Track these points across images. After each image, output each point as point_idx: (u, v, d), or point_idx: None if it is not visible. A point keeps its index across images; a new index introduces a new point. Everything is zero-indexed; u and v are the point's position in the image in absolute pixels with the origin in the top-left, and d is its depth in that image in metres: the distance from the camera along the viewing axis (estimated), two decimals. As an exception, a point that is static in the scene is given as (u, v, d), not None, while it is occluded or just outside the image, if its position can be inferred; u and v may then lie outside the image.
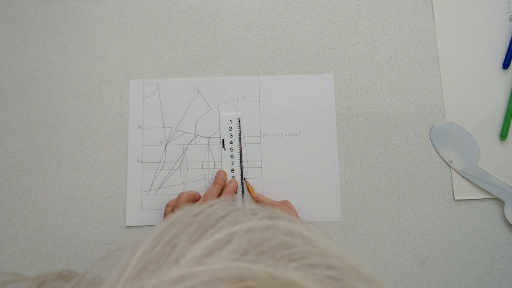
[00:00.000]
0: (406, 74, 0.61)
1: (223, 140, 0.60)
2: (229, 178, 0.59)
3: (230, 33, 0.63)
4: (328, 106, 0.61)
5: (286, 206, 0.55)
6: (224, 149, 0.60)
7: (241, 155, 0.60)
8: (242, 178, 0.59)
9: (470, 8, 0.63)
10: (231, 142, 0.60)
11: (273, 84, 0.61)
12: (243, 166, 0.59)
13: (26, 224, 0.59)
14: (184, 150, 0.60)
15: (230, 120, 0.60)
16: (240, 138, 0.60)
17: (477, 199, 0.58)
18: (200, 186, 0.59)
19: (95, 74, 0.62)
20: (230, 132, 0.60)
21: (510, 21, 0.62)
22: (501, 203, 0.57)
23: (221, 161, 0.60)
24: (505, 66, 0.60)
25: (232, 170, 0.59)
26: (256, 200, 0.57)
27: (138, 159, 0.60)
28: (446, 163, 0.59)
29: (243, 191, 0.59)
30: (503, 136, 0.58)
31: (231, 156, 0.60)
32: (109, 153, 0.60)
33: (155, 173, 0.59)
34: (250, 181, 0.59)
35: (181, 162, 0.60)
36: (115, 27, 0.64)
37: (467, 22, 0.62)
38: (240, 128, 0.60)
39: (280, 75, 0.62)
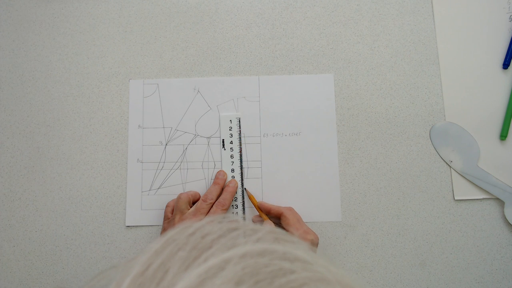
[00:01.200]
0: (406, 74, 0.61)
1: (223, 140, 0.60)
2: (229, 178, 0.59)
3: (230, 33, 0.63)
4: (328, 106, 0.61)
5: (290, 212, 0.55)
6: (224, 149, 0.60)
7: (241, 155, 0.60)
8: (242, 178, 0.59)
9: (470, 8, 0.63)
10: (231, 142, 0.60)
11: (273, 84, 0.61)
12: (243, 166, 0.59)
13: (26, 224, 0.59)
14: (184, 150, 0.60)
15: (230, 120, 0.60)
16: (240, 138, 0.60)
17: (477, 199, 0.58)
18: (200, 186, 0.59)
19: (95, 74, 0.62)
20: (230, 132, 0.60)
21: (510, 21, 0.62)
22: (501, 203, 0.57)
23: (221, 161, 0.60)
24: (505, 66, 0.60)
25: (232, 170, 0.59)
26: (260, 207, 0.57)
27: (138, 159, 0.60)
28: (446, 163, 0.59)
29: (243, 191, 0.59)
30: (503, 136, 0.58)
31: (231, 156, 0.60)
32: (109, 153, 0.60)
33: (155, 173, 0.59)
34: (250, 181, 0.59)
35: (181, 162, 0.60)
36: (115, 27, 0.64)
37: (467, 22, 0.62)
38: (240, 128, 0.60)
39: (280, 75, 0.62)
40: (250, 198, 0.58)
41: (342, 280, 0.19)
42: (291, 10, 0.64)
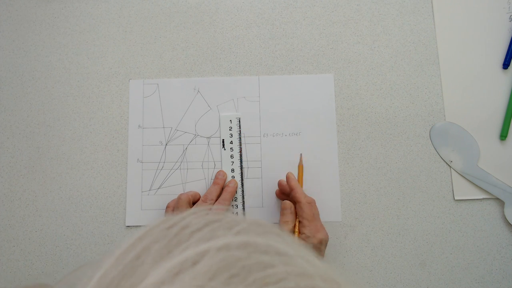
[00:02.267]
0: (406, 74, 0.61)
1: (223, 140, 0.60)
2: (229, 178, 0.59)
3: (230, 33, 0.63)
4: (328, 106, 0.61)
5: (309, 205, 0.52)
6: (224, 149, 0.60)
7: (241, 155, 0.59)
8: (242, 178, 0.59)
9: (470, 8, 0.63)
10: (231, 142, 0.60)
11: (273, 84, 0.61)
12: (243, 166, 0.59)
13: (26, 224, 0.59)
14: (184, 150, 0.60)
15: (230, 120, 0.60)
16: (240, 138, 0.60)
17: (477, 199, 0.58)
18: (200, 186, 0.59)
19: (95, 74, 0.62)
20: (230, 132, 0.60)
21: (510, 21, 0.62)
22: (501, 203, 0.57)
23: (221, 161, 0.60)
24: (505, 66, 0.60)
25: (232, 170, 0.59)
26: (287, 181, 0.54)
27: (138, 159, 0.60)
28: (446, 163, 0.59)
29: (243, 191, 0.59)
30: (503, 136, 0.58)
31: (231, 156, 0.60)
32: (109, 153, 0.60)
33: (155, 173, 0.59)
34: (250, 181, 0.59)
35: (181, 162, 0.60)
36: (115, 27, 0.64)
37: (467, 22, 0.62)
38: (240, 128, 0.60)
39: (280, 75, 0.62)
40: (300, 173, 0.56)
41: (325, 274, 0.18)
42: (291, 10, 0.64)
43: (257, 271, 0.17)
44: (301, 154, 0.57)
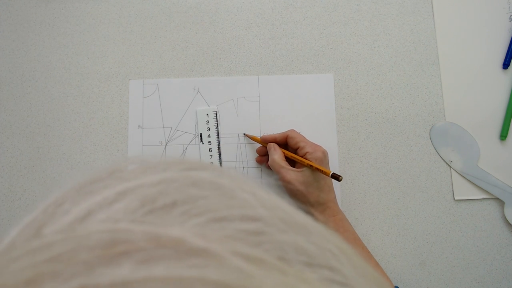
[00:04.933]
0: (406, 74, 0.61)
1: (200, 134, 0.60)
2: None
3: (230, 33, 0.63)
4: (328, 106, 0.61)
5: (294, 131, 0.55)
6: (202, 143, 0.60)
7: (219, 148, 0.60)
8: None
9: (470, 8, 0.63)
10: (209, 136, 0.60)
11: (273, 84, 0.61)
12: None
13: (26, 224, 0.59)
14: (184, 150, 0.60)
15: (207, 114, 0.60)
16: (218, 132, 0.60)
17: (477, 199, 0.58)
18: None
19: (95, 74, 0.62)
20: (208, 126, 0.60)
21: (510, 21, 0.62)
22: (501, 203, 0.57)
23: (200, 155, 0.59)
24: (505, 66, 0.60)
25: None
26: (264, 140, 0.57)
27: (138, 159, 0.60)
28: (446, 163, 0.59)
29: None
30: (503, 136, 0.58)
31: (210, 150, 0.60)
32: (109, 153, 0.60)
33: (155, 173, 0.59)
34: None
35: (181, 162, 0.60)
36: (115, 27, 0.64)
37: (467, 22, 0.62)
38: (217, 121, 0.60)
39: (280, 75, 0.62)
40: (253, 138, 0.59)
41: (269, 204, 0.16)
42: (291, 10, 0.64)
43: (183, 204, 0.15)
44: (244, 134, 0.60)
